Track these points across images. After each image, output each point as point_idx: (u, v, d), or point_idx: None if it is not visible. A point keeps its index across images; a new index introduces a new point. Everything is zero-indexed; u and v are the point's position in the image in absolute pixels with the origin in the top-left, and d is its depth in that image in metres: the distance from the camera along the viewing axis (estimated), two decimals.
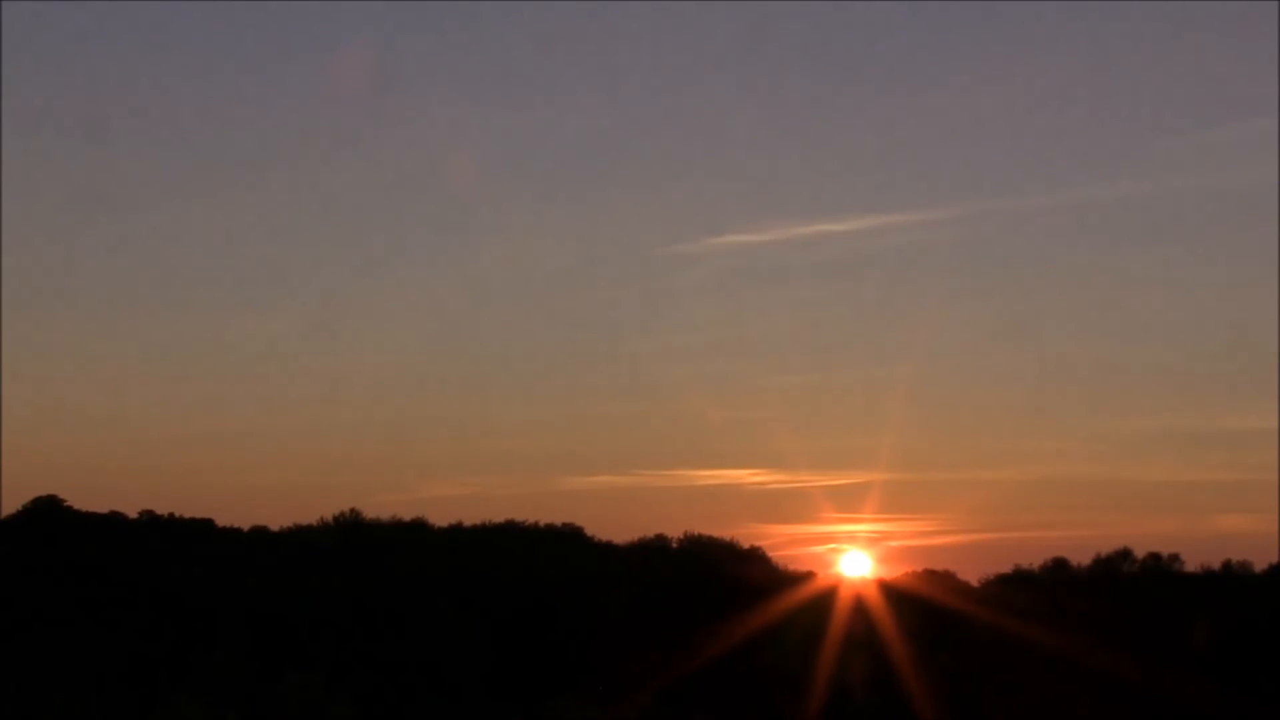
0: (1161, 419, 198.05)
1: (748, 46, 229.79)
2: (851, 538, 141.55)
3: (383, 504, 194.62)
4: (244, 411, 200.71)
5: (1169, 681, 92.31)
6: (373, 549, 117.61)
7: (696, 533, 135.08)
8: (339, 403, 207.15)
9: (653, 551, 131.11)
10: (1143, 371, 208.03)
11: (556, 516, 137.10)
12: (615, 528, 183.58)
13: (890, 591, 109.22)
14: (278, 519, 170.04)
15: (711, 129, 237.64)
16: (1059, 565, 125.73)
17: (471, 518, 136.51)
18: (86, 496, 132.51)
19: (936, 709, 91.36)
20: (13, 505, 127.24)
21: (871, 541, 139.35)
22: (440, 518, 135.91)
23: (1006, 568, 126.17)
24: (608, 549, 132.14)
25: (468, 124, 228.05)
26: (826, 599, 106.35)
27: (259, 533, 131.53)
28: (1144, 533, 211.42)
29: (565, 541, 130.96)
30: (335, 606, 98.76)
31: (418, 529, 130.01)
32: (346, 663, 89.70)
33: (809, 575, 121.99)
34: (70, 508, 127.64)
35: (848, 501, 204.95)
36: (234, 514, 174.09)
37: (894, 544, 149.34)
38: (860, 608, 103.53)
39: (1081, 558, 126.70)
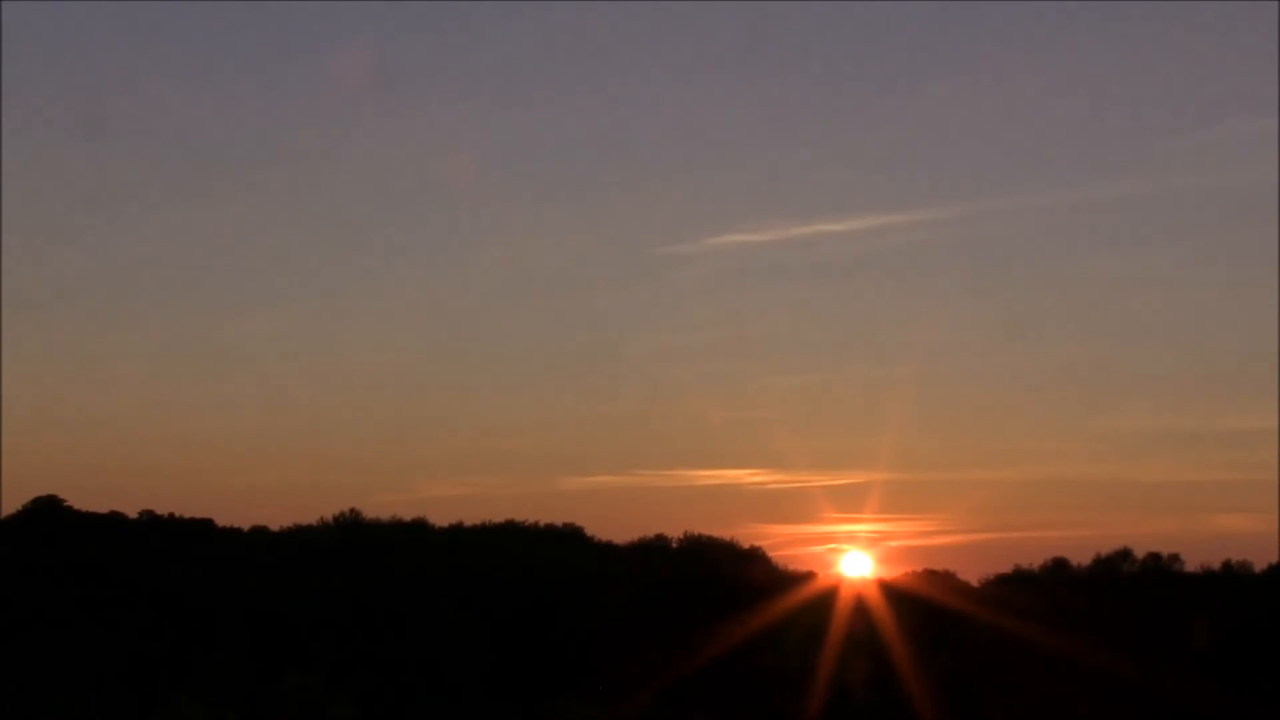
0: (1161, 419, 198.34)
1: (746, 47, 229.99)
2: (852, 538, 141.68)
3: (383, 504, 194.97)
4: (244, 411, 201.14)
5: (1169, 681, 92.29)
6: (373, 549, 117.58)
7: (696, 533, 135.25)
8: (339, 403, 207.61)
9: (653, 551, 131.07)
10: (1143, 371, 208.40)
11: (556, 516, 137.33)
12: (615, 528, 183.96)
13: (890, 592, 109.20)
14: (278, 519, 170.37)
15: (710, 129, 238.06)
16: (1059, 565, 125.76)
17: (471, 518, 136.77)
18: (86, 496, 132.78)
19: (936, 709, 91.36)
20: (13, 505, 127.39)
21: (871, 542, 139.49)
22: (440, 518, 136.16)
23: (1006, 568, 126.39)
24: (608, 549, 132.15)
25: (467, 124, 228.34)
26: (826, 599, 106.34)
27: (259, 533, 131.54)
28: (1144, 533, 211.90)
29: (565, 541, 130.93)
30: (335, 606, 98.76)
31: (418, 529, 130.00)
32: (346, 663, 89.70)
33: (809, 575, 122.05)
34: (70, 508, 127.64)
35: (848, 501, 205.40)
36: (234, 514, 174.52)
37: (894, 544, 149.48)
38: (860, 608, 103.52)
39: (1081, 558, 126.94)
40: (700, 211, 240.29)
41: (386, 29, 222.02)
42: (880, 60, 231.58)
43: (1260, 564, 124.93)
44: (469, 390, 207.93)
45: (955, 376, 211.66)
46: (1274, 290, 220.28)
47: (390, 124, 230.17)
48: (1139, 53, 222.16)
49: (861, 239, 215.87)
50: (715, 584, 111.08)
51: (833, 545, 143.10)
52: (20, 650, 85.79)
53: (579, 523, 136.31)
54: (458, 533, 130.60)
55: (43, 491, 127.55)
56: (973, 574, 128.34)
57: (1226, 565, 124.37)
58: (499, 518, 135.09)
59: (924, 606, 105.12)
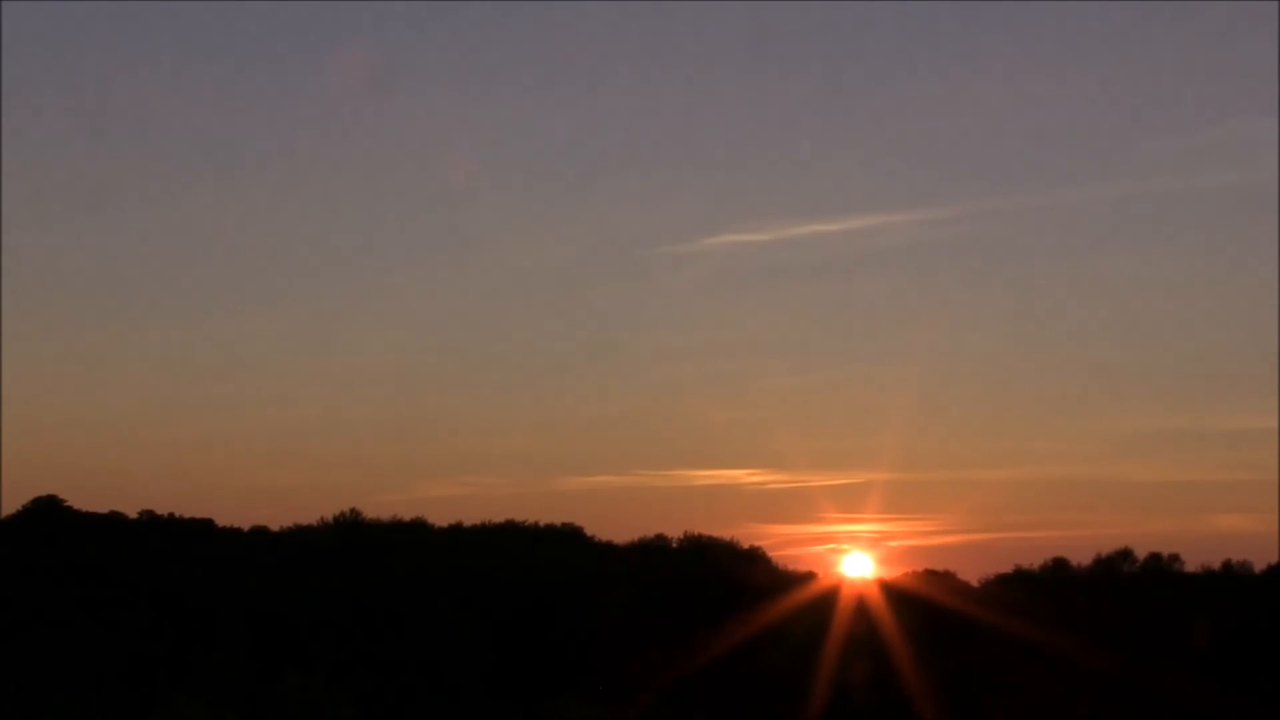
0: (1161, 419, 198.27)
1: (744, 47, 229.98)
2: (852, 538, 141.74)
3: (383, 504, 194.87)
4: (244, 411, 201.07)
5: (1169, 681, 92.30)
6: (373, 549, 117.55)
7: (696, 533, 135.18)
8: (339, 403, 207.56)
9: (653, 551, 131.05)
10: (1143, 371, 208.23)
11: (556, 516, 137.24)
12: (615, 528, 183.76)
13: (890, 592, 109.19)
14: (278, 519, 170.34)
15: (708, 129, 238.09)
16: (1059, 565, 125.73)
17: (471, 518, 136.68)
18: (86, 496, 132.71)
19: (937, 709, 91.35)
20: (13, 505, 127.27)
21: (872, 542, 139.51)
22: (440, 518, 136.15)
23: (1006, 568, 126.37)
24: (608, 549, 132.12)
25: (467, 124, 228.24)
26: (827, 599, 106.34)
27: (259, 533, 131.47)
28: (1144, 533, 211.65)
29: (565, 541, 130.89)
30: (335, 606, 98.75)
31: (418, 529, 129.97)
32: (346, 663, 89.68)
33: (809, 575, 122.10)
34: (70, 508, 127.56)
35: (848, 501, 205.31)
36: (234, 514, 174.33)
37: (894, 544, 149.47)
38: (860, 608, 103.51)
39: (1081, 558, 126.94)
40: (698, 211, 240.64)
41: (386, 29, 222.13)
42: (879, 60, 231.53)
43: (1260, 564, 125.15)
44: (469, 390, 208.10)
45: (955, 376, 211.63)
46: (1274, 290, 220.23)
47: (390, 124, 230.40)
48: (1139, 53, 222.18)
49: (860, 239, 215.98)
50: (715, 584, 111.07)
51: (833, 545, 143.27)
52: (20, 650, 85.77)
53: (579, 523, 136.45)
54: (457, 533, 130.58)
55: (43, 491, 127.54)
56: (973, 574, 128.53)
57: (1226, 565, 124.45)
58: (499, 518, 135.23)
59: (924, 607, 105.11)
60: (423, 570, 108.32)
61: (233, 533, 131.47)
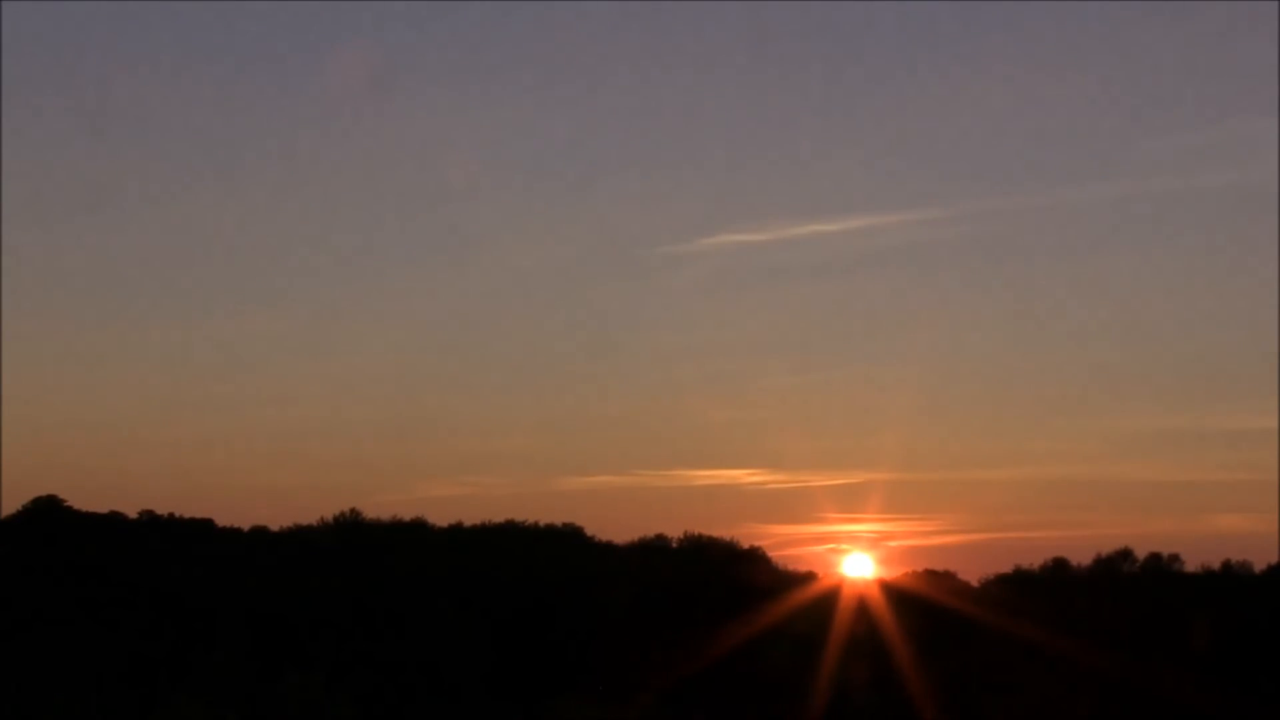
0: (1161, 419, 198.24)
1: (744, 47, 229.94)
2: (852, 538, 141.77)
3: (383, 504, 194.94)
4: (244, 411, 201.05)
5: (1169, 681, 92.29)
6: (373, 549, 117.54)
7: (696, 533, 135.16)
8: (339, 403, 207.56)
9: (653, 551, 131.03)
10: (1143, 371, 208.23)
11: (556, 516, 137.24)
12: (615, 528, 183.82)
13: (891, 592, 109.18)
14: (278, 519, 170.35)
15: (708, 129, 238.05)
16: (1059, 565, 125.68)
17: (471, 518, 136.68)
18: (86, 496, 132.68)
19: (937, 709, 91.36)
20: (13, 505, 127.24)
21: (872, 542, 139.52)
22: (440, 518, 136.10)
23: (1006, 568, 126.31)
24: (608, 549, 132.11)
25: (467, 124, 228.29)
26: (827, 599, 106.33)
27: (259, 533, 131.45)
28: (1144, 533, 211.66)
29: (565, 541, 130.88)
30: (335, 606, 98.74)
31: (418, 529, 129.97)
32: (346, 663, 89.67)
33: (809, 576, 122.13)
34: (70, 508, 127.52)
35: (848, 501, 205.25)
36: (234, 514, 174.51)
37: (894, 544, 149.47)
38: (860, 608, 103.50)
39: (1081, 558, 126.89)
40: (698, 212, 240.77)
41: (386, 29, 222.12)
42: (879, 60, 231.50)
43: (1260, 564, 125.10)
44: (469, 390, 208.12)
45: (955, 376, 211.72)
46: (1274, 290, 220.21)
47: (390, 124, 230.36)
48: (1139, 53, 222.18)
49: (859, 239, 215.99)
50: (715, 584, 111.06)
51: (832, 545, 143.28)
52: (20, 650, 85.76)
53: (579, 523, 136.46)
54: (458, 533, 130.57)
55: (43, 491, 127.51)
56: (973, 574, 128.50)
57: (1226, 565, 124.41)
58: (499, 518, 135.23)
59: (924, 607, 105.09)
60: (423, 570, 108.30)
61: (233, 533, 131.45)
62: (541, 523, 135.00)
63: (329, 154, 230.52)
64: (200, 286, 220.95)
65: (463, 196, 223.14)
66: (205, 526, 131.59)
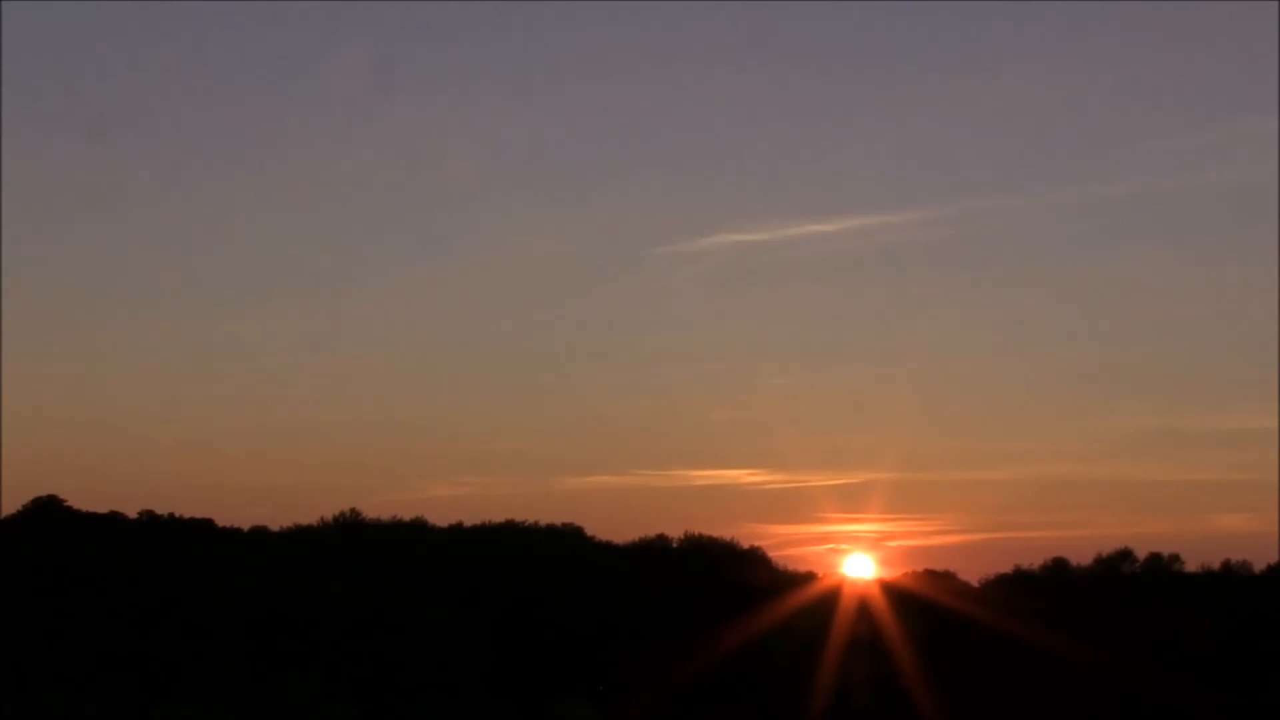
0: (1161, 419, 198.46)
1: (741, 48, 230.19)
2: (852, 538, 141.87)
3: (383, 504, 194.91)
4: (244, 411, 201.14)
5: (1169, 681, 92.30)
6: (373, 549, 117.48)
7: (696, 533, 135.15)
8: (339, 403, 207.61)
9: (653, 551, 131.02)
10: (1142, 371, 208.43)
11: (556, 516, 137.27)
12: (615, 528, 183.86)
13: (891, 592, 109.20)
14: (278, 519, 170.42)
15: (707, 130, 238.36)
16: (1059, 565, 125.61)
17: (471, 518, 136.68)
18: (86, 496, 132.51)
19: (937, 709, 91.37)
20: (13, 505, 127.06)
21: (872, 542, 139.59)
22: (440, 518, 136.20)
23: (1006, 568, 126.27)
24: (608, 549, 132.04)
25: (467, 124, 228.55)
26: (827, 599, 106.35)
27: (259, 533, 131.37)
28: (1144, 533, 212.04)
29: (565, 541, 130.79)
30: (335, 606, 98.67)
31: (418, 529, 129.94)
32: (346, 663, 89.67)
33: (809, 576, 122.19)
34: (70, 508, 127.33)
35: (848, 502, 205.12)
36: (234, 514, 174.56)
37: (894, 544, 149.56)
38: (861, 608, 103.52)
39: (1081, 558, 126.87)
40: (697, 212, 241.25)
41: (386, 29, 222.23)
42: (879, 60, 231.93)
43: (1260, 564, 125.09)
44: (469, 390, 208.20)
45: (955, 377, 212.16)
46: (1274, 290, 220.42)
47: (390, 124, 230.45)
48: (1139, 53, 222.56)
49: (858, 239, 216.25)
50: (715, 584, 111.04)
51: (832, 545, 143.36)
52: (20, 650, 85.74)
53: (579, 523, 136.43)
54: (458, 533, 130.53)
55: (43, 491, 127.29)
56: (973, 574, 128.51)
57: (1226, 565, 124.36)
58: (499, 518, 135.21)
59: (924, 607, 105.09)
60: (423, 570, 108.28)
61: (233, 533, 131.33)
62: (541, 523, 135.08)
63: (329, 154, 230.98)
64: (200, 286, 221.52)
65: (463, 196, 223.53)
66: (205, 526, 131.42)
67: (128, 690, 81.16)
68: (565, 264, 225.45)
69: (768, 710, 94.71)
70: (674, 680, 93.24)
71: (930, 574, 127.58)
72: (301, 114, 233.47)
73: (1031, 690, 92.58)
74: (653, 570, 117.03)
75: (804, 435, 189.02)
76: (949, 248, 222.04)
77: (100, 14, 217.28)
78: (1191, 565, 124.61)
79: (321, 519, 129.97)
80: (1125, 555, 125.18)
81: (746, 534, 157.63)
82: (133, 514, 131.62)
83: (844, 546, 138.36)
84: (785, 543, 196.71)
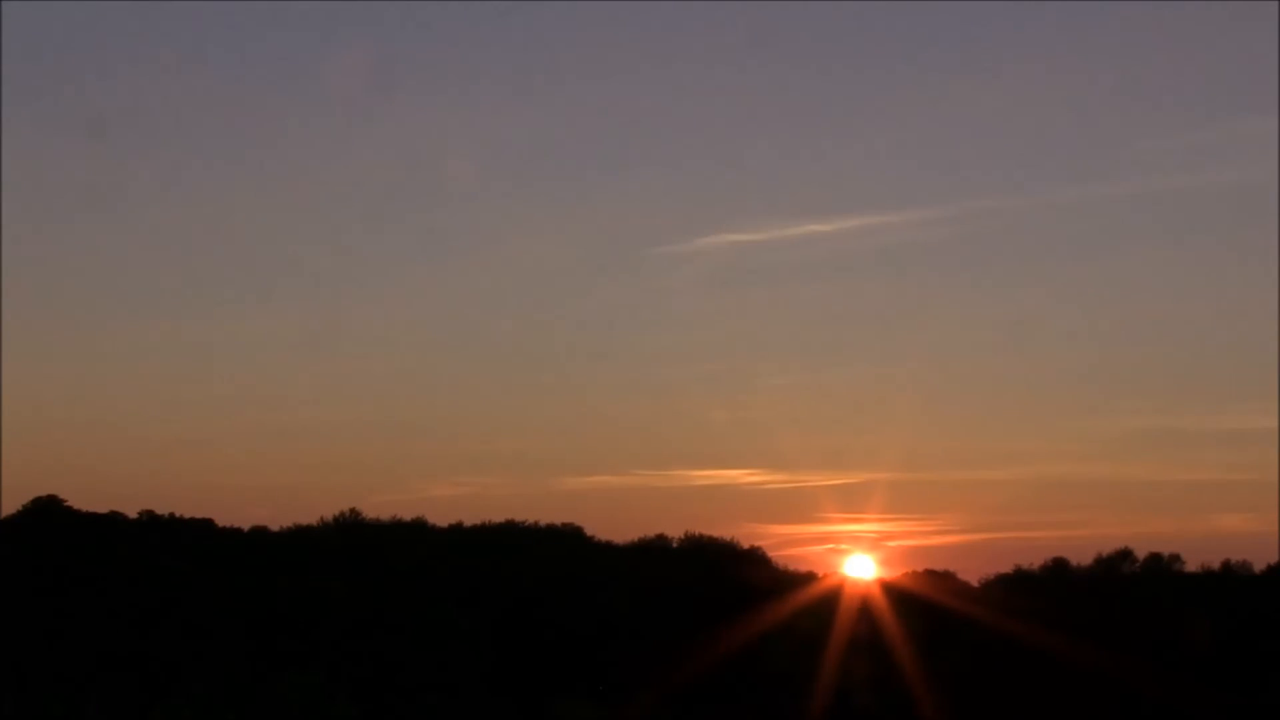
0: (1161, 419, 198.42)
1: (741, 48, 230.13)
2: (852, 538, 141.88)
3: (383, 504, 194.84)
4: (244, 411, 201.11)
5: (1168, 681, 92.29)
6: (373, 549, 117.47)
7: (696, 533, 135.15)
8: (339, 403, 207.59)
9: (653, 551, 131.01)
10: (1141, 371, 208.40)
11: (556, 516, 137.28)
12: (615, 528, 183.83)
13: (891, 592, 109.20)
14: (278, 519, 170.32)
15: (706, 130, 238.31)
16: (1059, 565, 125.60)
17: (471, 518, 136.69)
18: (86, 496, 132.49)
19: (937, 709, 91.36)
20: (13, 505, 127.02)
21: (872, 542, 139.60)
22: (440, 518, 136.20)
23: (1006, 568, 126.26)
24: (608, 549, 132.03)
25: (466, 126, 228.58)
26: (827, 599, 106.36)
27: (259, 533, 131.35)
28: (1144, 533, 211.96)
29: (565, 541, 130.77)
30: (335, 606, 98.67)
31: (418, 529, 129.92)
32: (346, 663, 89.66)
33: (809, 576, 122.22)
34: (70, 508, 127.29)
35: (848, 502, 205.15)
36: (234, 514, 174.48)
37: (894, 544, 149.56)
38: (861, 608, 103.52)
39: (1081, 558, 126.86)
40: (696, 212, 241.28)
41: (386, 29, 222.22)
42: (879, 60, 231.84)
43: (1260, 564, 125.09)
44: (469, 390, 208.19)
45: (955, 377, 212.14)
46: (1274, 290, 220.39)
47: (390, 124, 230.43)
48: (1139, 53, 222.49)
49: (856, 239, 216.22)
50: (715, 584, 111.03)
51: (833, 545, 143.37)
52: (20, 650, 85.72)
53: (579, 523, 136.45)
54: (458, 533, 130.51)
55: (43, 491, 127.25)
56: (973, 574, 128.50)
57: (1226, 565, 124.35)
58: (499, 518, 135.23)
59: (924, 607, 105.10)
60: (423, 570, 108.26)
61: (233, 533, 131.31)
62: (541, 523, 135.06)
63: (329, 154, 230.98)
64: (200, 286, 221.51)
65: (463, 196, 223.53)
66: (205, 526, 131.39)
67: (128, 690, 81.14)
68: (565, 264, 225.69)
69: (768, 710, 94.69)
70: (674, 680, 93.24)
71: (930, 574, 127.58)
72: (301, 114, 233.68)
73: (1031, 690, 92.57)
74: (653, 570, 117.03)
75: (804, 435, 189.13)
76: (949, 248, 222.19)
77: (100, 14, 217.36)
78: (1191, 565, 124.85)
79: (321, 519, 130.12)
80: (1125, 555, 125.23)
81: (746, 534, 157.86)
82: (133, 514, 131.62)
83: (844, 546, 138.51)
84: (785, 543, 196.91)
